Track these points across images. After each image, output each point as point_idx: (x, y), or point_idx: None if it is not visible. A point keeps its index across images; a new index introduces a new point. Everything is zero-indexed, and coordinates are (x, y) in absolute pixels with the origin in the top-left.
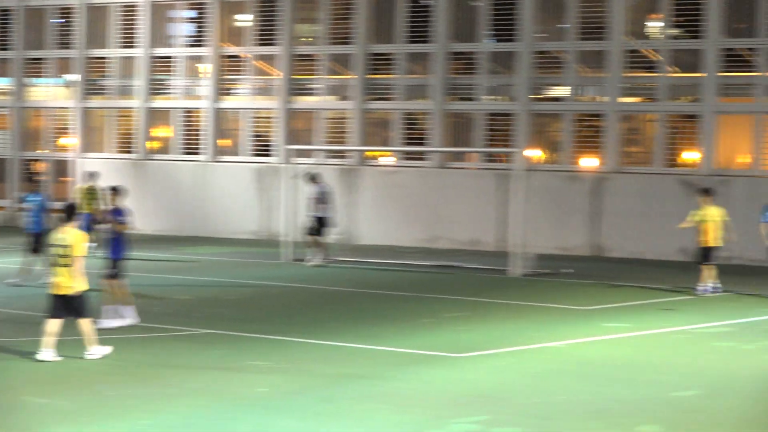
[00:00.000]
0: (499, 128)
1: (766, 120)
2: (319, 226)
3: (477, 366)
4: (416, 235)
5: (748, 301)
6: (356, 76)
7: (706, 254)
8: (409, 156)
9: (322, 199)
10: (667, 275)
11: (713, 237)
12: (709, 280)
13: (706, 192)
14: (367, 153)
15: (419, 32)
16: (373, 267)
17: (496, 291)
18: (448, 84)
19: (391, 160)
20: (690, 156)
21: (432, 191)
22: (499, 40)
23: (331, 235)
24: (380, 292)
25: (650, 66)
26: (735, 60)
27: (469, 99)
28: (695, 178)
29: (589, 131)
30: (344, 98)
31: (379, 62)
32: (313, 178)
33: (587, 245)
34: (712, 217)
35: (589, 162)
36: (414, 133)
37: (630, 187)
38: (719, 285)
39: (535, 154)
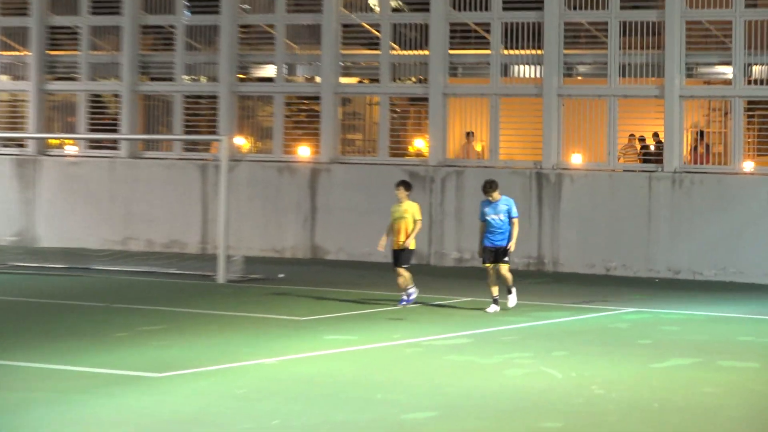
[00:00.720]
0: (201, 112)
1: (503, 103)
2: None
3: (179, 387)
4: (105, 235)
5: (481, 308)
6: (33, 53)
7: (404, 257)
8: (97, 144)
9: None
10: (395, 280)
11: (410, 237)
12: (408, 285)
13: (405, 185)
14: (47, 141)
15: (106, 3)
16: (55, 273)
17: (199, 300)
18: (141, 62)
19: (74, 149)
20: (418, 144)
21: (123, 185)
22: (197, 13)
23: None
24: (65, 303)
25: (371, 43)
26: (466, 37)
27: (166, 79)
28: (423, 169)
29: (303, 116)
30: (20, 78)
31: (61, 37)
32: None
33: (304, 247)
34: (411, 214)
35: (304, 151)
36: (102, 118)
37: (352, 180)
38: (413, 291)
39: (243, 141)
